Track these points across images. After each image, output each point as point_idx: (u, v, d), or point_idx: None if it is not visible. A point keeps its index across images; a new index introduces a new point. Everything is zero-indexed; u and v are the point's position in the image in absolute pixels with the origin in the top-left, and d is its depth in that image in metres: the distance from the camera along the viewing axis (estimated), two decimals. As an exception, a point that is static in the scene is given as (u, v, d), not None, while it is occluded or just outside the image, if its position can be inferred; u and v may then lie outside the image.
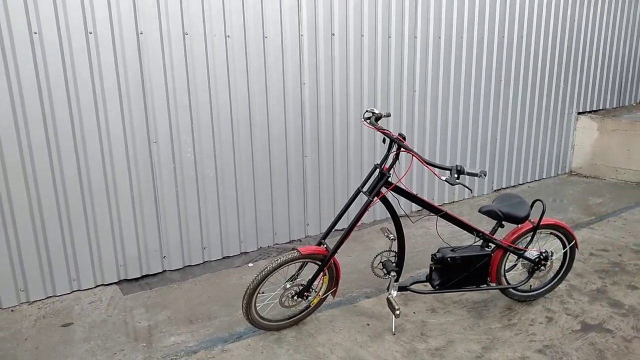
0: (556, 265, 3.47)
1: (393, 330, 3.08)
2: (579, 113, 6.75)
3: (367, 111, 3.08)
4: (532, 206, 3.27)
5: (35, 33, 3.14)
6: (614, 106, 7.32)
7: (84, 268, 3.58)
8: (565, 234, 3.38)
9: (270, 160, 4.20)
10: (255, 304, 2.89)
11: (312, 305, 3.14)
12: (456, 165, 2.61)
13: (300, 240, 4.52)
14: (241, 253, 4.24)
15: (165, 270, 3.92)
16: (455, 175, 2.61)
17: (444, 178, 2.63)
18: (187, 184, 3.85)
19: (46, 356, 2.85)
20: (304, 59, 4.17)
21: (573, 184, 6.34)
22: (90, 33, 3.30)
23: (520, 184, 6.29)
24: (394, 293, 3.09)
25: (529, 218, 3.26)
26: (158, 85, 3.58)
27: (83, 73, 3.31)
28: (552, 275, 3.49)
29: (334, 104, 4.42)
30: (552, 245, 3.41)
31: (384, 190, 2.88)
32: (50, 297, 3.50)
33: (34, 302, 3.44)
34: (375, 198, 2.87)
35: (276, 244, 4.42)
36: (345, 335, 3.05)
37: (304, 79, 4.21)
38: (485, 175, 2.63)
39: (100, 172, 3.49)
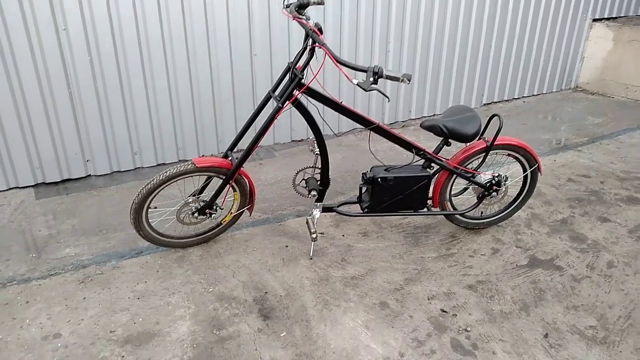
0: (514, 192, 3.04)
1: (310, 254, 2.75)
2: (594, 20, 5.91)
3: (289, -4, 2.53)
4: (488, 122, 2.78)
5: None
6: None
7: (-8, 169, 3.28)
8: (526, 156, 2.90)
9: (210, 53, 3.68)
10: (146, 219, 2.56)
11: (225, 223, 2.81)
12: (374, 67, 2.09)
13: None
14: (180, 160, 3.87)
15: (90, 175, 3.60)
16: (372, 79, 2.10)
17: (355, 82, 2.13)
18: (107, 79, 3.40)
19: None
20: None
21: (574, 101, 5.69)
22: None
23: (515, 98, 5.67)
24: (316, 214, 2.72)
25: (484, 136, 2.79)
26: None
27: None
28: (510, 201, 3.07)
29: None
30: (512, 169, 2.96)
31: (295, 92, 2.41)
32: (-45, 198, 3.24)
33: None
34: (287, 103, 2.41)
35: (221, 152, 4.01)
36: (256, 256, 2.73)
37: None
38: (409, 81, 2.12)
39: None
